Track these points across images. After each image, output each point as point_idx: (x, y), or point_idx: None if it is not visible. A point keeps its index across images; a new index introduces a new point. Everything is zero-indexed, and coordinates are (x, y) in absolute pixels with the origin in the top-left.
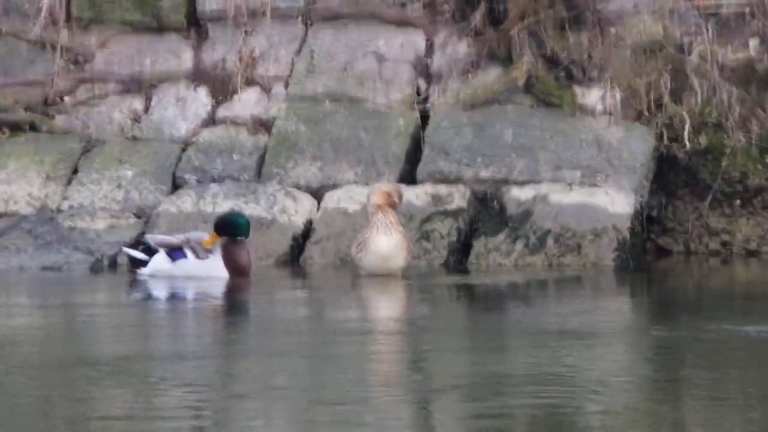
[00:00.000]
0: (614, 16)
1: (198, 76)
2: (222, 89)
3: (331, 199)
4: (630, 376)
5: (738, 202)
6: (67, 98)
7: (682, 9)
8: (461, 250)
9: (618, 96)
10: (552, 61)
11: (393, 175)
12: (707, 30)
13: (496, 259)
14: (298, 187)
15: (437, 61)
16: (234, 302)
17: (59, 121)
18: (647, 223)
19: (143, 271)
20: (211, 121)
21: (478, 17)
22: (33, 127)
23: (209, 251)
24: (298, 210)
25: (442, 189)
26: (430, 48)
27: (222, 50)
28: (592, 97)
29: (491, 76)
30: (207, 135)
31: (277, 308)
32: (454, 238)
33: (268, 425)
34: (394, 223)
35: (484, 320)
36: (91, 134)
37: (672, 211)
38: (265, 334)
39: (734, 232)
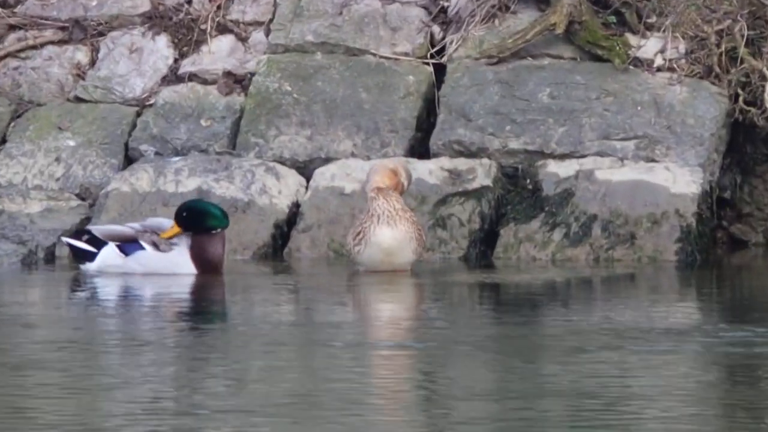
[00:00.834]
0: None
1: (157, 20)
2: (186, 37)
3: (322, 177)
4: (701, 404)
5: None
6: None
7: None
8: (485, 240)
9: (682, 47)
10: (599, 3)
11: (401, 146)
12: None
13: (529, 251)
14: (281, 161)
15: (456, 3)
16: (200, 310)
17: None
18: (718, 207)
19: (89, 267)
20: (173, 77)
21: None
22: None
23: (172, 242)
24: (282, 190)
25: (462, 163)
26: None
27: None
28: (649, 48)
29: (523, 21)
30: (168, 95)
31: (253, 319)
32: (477, 226)
33: None
34: (399, 210)
35: (514, 335)
36: (23, 94)
37: (749, 193)
38: (234, 359)
39: None
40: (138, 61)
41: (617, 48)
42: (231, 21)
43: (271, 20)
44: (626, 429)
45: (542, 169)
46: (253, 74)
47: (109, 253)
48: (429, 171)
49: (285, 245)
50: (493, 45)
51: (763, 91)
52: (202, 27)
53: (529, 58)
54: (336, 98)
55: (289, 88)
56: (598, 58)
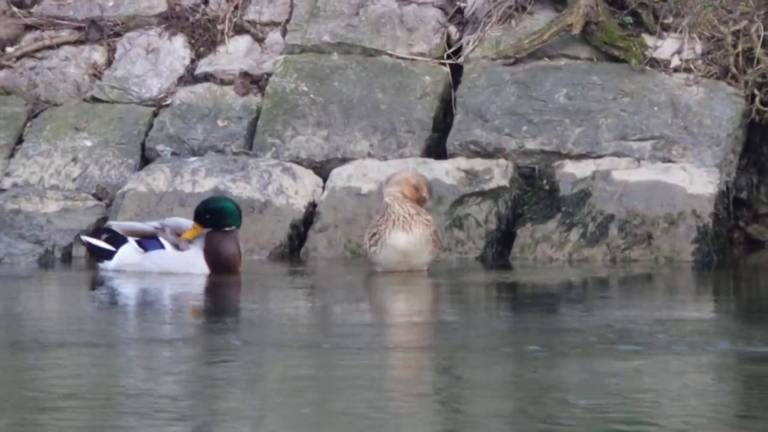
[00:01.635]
0: None
1: (174, 20)
2: (204, 38)
3: (339, 177)
4: (718, 411)
5: None
6: (9, 49)
7: None
8: (502, 240)
9: (698, 47)
10: (616, 3)
11: (417, 147)
12: None
13: (546, 251)
14: (298, 161)
15: (473, 3)
16: (214, 310)
17: (0, 77)
18: (734, 207)
19: (107, 265)
20: (189, 77)
21: None
22: None
23: (187, 242)
24: (299, 190)
25: (479, 164)
26: None
27: None
28: (665, 48)
29: (540, 21)
30: (185, 95)
31: (269, 320)
32: (493, 226)
33: None
34: (413, 215)
35: (532, 334)
36: (40, 94)
37: (765, 193)
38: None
39: None
40: (155, 62)
41: (634, 49)
42: (248, 21)
43: (287, 21)
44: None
45: (559, 169)
46: (269, 74)
47: (128, 251)
48: (446, 171)
49: (302, 245)
50: (509, 45)
51: None
52: (219, 27)
53: (546, 59)
54: (352, 98)
55: (305, 89)
56: (615, 59)
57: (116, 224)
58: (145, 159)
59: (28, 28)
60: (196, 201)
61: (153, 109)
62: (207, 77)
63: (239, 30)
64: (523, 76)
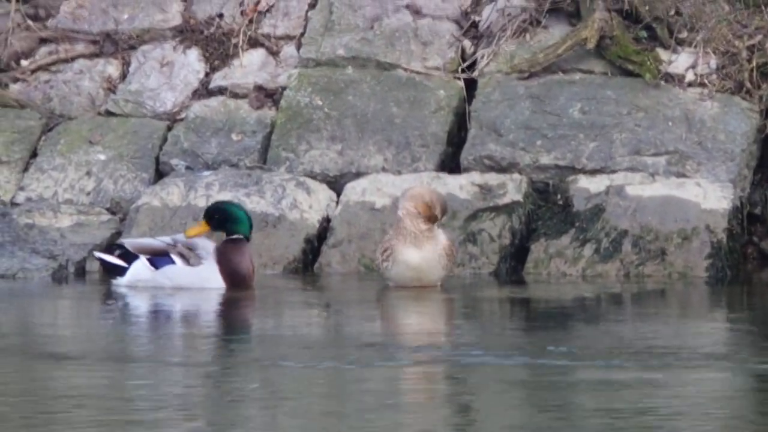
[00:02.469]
0: None
1: (188, 34)
2: (218, 51)
3: (353, 191)
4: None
5: None
6: (24, 62)
7: None
8: (515, 255)
9: (713, 62)
10: (631, 18)
11: (431, 161)
12: None
13: (560, 267)
14: (312, 175)
15: (487, 17)
16: (230, 326)
17: (14, 90)
18: (748, 222)
19: (120, 281)
20: (204, 91)
21: None
22: None
23: (201, 257)
24: (313, 205)
25: (493, 178)
26: (477, 0)
27: (219, 1)
28: (680, 63)
29: (554, 35)
30: (199, 109)
31: (284, 334)
32: (507, 241)
33: None
34: (424, 231)
35: (547, 352)
36: (54, 108)
37: None
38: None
39: None
40: (169, 75)
41: (648, 63)
42: (262, 35)
43: (302, 34)
44: None
45: (573, 184)
46: (284, 88)
47: (140, 268)
48: (460, 186)
49: (315, 260)
50: (524, 59)
51: None
52: (234, 41)
53: (560, 73)
54: (367, 113)
55: (320, 103)
56: (629, 73)
57: (127, 241)
58: (159, 173)
59: (43, 41)
60: None
61: (167, 122)
62: (221, 91)
63: (254, 43)
64: (537, 90)
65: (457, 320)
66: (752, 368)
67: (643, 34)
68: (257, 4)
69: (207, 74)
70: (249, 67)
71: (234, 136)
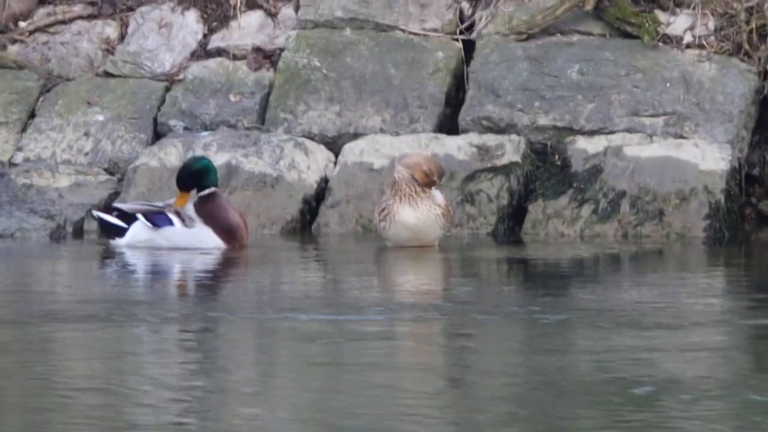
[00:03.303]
0: None
1: None
2: (216, 13)
3: (351, 152)
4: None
5: None
6: (22, 23)
7: None
8: (513, 216)
9: (711, 24)
10: None
11: (429, 122)
12: None
13: (558, 227)
14: (310, 136)
15: None
16: (228, 284)
17: (12, 52)
18: (746, 183)
19: (119, 242)
20: (202, 52)
21: None
22: None
23: (192, 219)
24: (311, 165)
25: (491, 139)
26: None
27: None
28: (678, 25)
29: None
30: (197, 70)
31: (281, 295)
32: (505, 202)
33: None
34: (419, 192)
35: (543, 311)
36: (53, 69)
37: None
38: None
39: None
40: (167, 36)
41: (646, 25)
42: None
43: None
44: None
45: (571, 145)
46: (282, 50)
47: (139, 228)
48: (458, 147)
49: (313, 220)
50: (522, 21)
51: None
52: (232, 2)
53: (559, 35)
54: (365, 74)
55: (318, 64)
56: (628, 35)
57: (123, 205)
58: (158, 134)
59: (41, 2)
60: None
61: (165, 83)
62: (219, 52)
63: (252, 5)
64: (535, 51)
65: (453, 278)
66: (752, 325)
67: None
68: None
69: (205, 35)
70: (247, 28)
71: (232, 97)
